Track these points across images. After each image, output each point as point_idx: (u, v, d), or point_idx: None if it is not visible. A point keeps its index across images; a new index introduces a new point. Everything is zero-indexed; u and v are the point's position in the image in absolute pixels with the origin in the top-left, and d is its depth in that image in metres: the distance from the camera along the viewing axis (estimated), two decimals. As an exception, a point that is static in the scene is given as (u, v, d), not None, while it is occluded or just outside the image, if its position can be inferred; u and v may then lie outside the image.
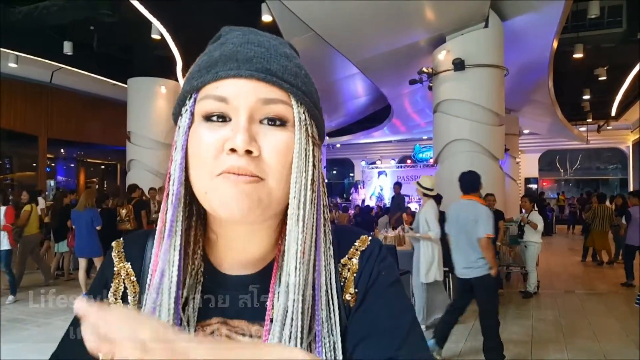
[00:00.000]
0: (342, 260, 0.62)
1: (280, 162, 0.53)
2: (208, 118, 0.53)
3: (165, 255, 0.53)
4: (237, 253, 0.60)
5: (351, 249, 0.63)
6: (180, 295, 0.54)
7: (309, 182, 0.55)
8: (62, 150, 17.00)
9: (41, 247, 9.46)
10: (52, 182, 16.39)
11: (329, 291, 0.57)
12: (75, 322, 0.61)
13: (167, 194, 0.55)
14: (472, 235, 4.15)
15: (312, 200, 0.55)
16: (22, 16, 9.63)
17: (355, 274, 0.61)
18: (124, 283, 0.61)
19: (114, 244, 0.64)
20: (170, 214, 0.54)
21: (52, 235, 8.70)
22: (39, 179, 15.00)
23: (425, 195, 5.26)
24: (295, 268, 0.53)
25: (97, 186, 17.83)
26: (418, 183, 5.32)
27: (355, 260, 0.62)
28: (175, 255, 0.54)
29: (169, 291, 0.53)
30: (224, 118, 0.53)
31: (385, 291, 0.60)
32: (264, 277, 0.59)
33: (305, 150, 0.55)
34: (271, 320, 0.55)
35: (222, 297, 0.59)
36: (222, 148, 0.51)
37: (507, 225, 7.90)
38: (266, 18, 8.44)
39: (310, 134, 0.56)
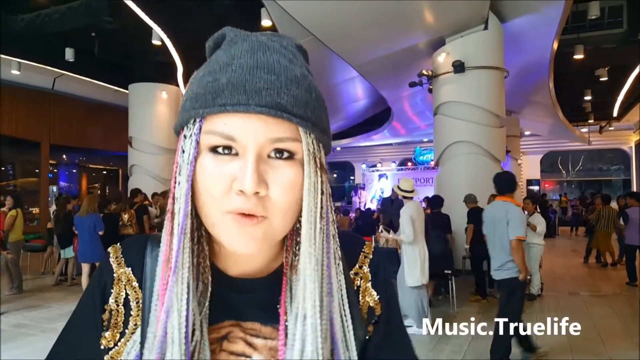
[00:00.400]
0: (353, 269, 0.64)
1: (286, 201, 0.53)
2: (214, 149, 0.52)
3: (171, 291, 0.52)
4: (242, 265, 0.60)
5: (360, 257, 0.65)
6: (190, 331, 0.52)
7: (319, 214, 0.55)
8: (64, 156, 17.05)
9: (44, 253, 9.50)
10: (54, 188, 16.42)
11: (342, 311, 0.57)
12: (70, 324, 0.61)
13: (172, 219, 0.54)
14: (504, 236, 4.17)
15: (322, 229, 0.55)
16: (25, 24, 9.69)
17: (370, 281, 0.64)
18: (125, 289, 0.59)
19: (110, 249, 0.63)
20: (176, 248, 0.53)
21: (54, 240, 8.71)
22: (41, 185, 15.04)
23: (404, 197, 5.40)
24: (313, 306, 0.53)
25: (99, 191, 17.88)
26: (398, 187, 5.45)
27: (366, 269, 0.64)
28: (183, 289, 0.52)
29: (179, 328, 0.51)
30: (230, 150, 0.52)
31: (395, 314, 0.64)
32: (272, 281, 0.59)
33: (315, 183, 0.54)
34: (285, 321, 0.56)
35: (233, 300, 0.59)
36: (230, 186, 0.51)
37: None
38: (266, 22, 8.48)
39: (319, 163, 0.55)
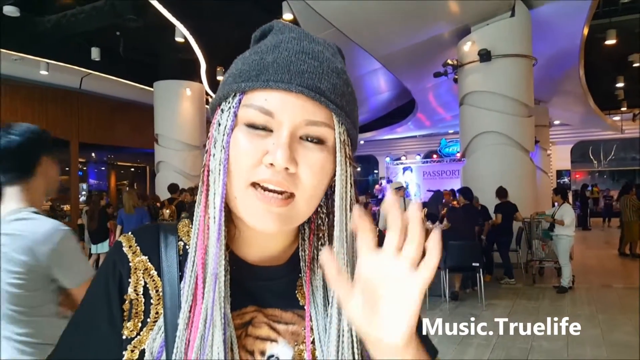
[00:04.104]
0: None
1: (313, 182, 0.54)
2: (250, 125, 0.54)
3: (217, 258, 0.53)
4: (260, 249, 0.61)
5: None
6: (228, 302, 0.55)
7: (349, 204, 0.57)
8: (92, 154, 17.45)
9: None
10: (84, 185, 16.83)
11: None
12: (82, 317, 0.61)
13: (207, 189, 0.56)
14: None
15: (351, 219, 0.57)
16: (51, 25, 9.90)
17: None
18: (143, 278, 0.59)
19: (122, 238, 0.62)
20: (218, 216, 0.54)
21: (85, 236, 8.91)
22: (71, 183, 15.43)
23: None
24: None
25: (127, 188, 18.26)
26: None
27: None
28: (222, 257, 0.54)
29: (220, 292, 0.53)
30: (265, 128, 0.53)
31: None
32: (289, 269, 0.62)
33: (346, 172, 0.56)
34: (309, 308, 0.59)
35: (252, 286, 0.60)
36: (261, 160, 0.53)
37: (539, 219, 7.71)
38: (287, 16, 8.45)
39: (348, 154, 0.57)
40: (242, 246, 0.61)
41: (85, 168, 17.40)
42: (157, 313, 0.57)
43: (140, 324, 0.57)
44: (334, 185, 0.57)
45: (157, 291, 0.58)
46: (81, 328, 0.60)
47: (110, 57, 11.88)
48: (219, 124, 0.56)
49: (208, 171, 0.57)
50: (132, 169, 19.72)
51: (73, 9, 9.51)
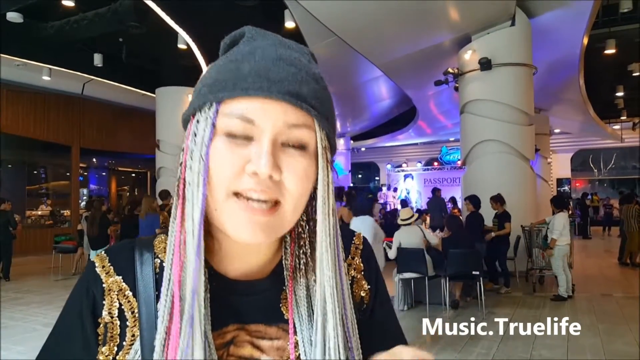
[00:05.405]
0: (347, 261, 0.64)
1: (298, 188, 0.53)
2: (229, 134, 0.52)
3: (196, 273, 0.50)
4: (241, 263, 0.59)
5: (352, 248, 0.67)
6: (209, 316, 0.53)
7: (332, 209, 0.55)
8: (94, 160, 17.47)
9: (75, 254, 9.74)
10: (85, 191, 16.84)
11: (351, 306, 0.58)
12: (55, 341, 0.58)
13: (184, 202, 0.53)
14: None
15: (334, 225, 0.56)
16: (54, 31, 9.96)
17: (362, 272, 0.66)
18: (117, 299, 0.56)
19: (95, 258, 0.59)
20: (197, 230, 0.51)
21: (84, 242, 8.91)
22: (72, 188, 15.43)
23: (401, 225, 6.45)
24: (331, 294, 0.54)
25: (127, 194, 18.25)
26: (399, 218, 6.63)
27: (357, 260, 0.66)
28: (202, 272, 0.51)
29: (200, 309, 0.51)
30: (245, 137, 0.51)
31: (387, 300, 0.67)
32: (274, 281, 0.60)
33: (327, 177, 0.55)
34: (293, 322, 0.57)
35: (234, 303, 0.58)
36: (243, 169, 0.51)
37: (539, 227, 7.71)
38: (289, 24, 8.49)
39: (329, 159, 0.56)
40: (223, 261, 0.58)
41: (86, 173, 17.42)
42: (133, 335, 0.54)
43: (116, 348, 0.55)
44: (313, 191, 0.56)
45: (132, 312, 0.56)
46: (54, 354, 0.57)
47: (113, 63, 11.94)
48: (195, 135, 0.53)
49: (184, 184, 0.54)
50: (133, 175, 19.73)
51: (76, 16, 9.58)
